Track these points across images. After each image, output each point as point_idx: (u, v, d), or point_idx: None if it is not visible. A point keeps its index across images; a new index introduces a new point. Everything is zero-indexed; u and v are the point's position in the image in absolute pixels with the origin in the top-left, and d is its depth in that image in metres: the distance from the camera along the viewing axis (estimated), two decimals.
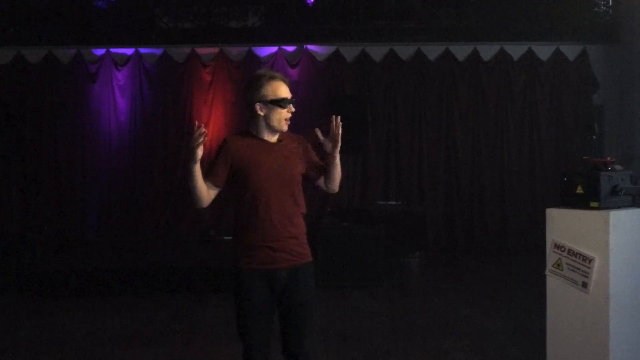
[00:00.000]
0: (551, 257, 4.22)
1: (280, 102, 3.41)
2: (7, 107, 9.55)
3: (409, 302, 7.26)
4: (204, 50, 10.87)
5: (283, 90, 3.42)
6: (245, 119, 11.87)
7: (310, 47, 10.89)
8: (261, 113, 3.43)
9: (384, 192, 10.74)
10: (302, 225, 3.51)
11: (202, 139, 3.26)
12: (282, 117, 3.42)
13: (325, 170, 3.55)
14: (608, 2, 11.10)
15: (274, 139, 3.48)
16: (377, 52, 10.87)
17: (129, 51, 10.82)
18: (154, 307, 7.11)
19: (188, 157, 3.30)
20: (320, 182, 3.58)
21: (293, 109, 3.44)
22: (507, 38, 10.86)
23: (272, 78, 3.43)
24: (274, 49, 10.86)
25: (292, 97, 3.45)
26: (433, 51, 10.90)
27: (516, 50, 10.89)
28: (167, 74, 10.82)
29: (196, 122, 3.27)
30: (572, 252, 4.11)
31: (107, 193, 10.73)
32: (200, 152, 3.29)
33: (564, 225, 4.17)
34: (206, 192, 3.39)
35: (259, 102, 3.42)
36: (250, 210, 3.41)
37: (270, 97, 3.41)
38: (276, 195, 3.41)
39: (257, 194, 3.39)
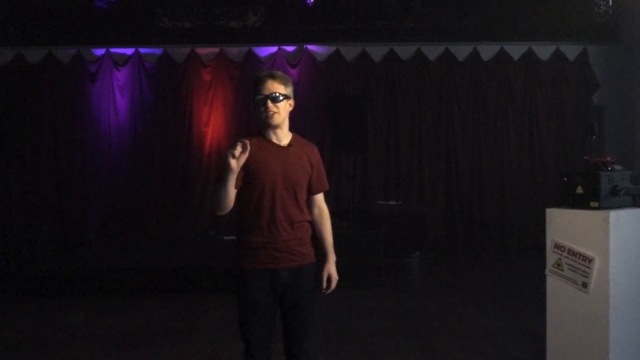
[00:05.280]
0: (551, 257, 4.22)
1: (257, 100, 3.42)
2: (7, 107, 9.56)
3: (409, 302, 7.26)
4: (204, 50, 10.87)
5: (262, 88, 3.42)
6: (245, 119, 11.80)
7: (310, 47, 10.89)
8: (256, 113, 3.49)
9: (384, 192, 10.74)
10: (305, 227, 3.53)
11: (241, 153, 3.22)
12: (262, 113, 3.42)
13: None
14: (608, 2, 11.10)
15: (283, 142, 3.48)
16: (377, 52, 10.88)
17: (129, 51, 10.83)
18: (154, 307, 7.11)
19: (224, 167, 3.25)
20: (311, 202, 3.59)
21: (269, 105, 3.39)
22: (507, 38, 10.87)
23: (258, 79, 3.45)
24: (274, 49, 10.87)
25: (273, 93, 3.39)
26: (433, 51, 10.90)
27: (516, 50, 10.90)
28: (167, 74, 10.83)
29: (244, 140, 3.23)
30: (572, 252, 4.11)
31: (107, 193, 10.73)
32: (237, 164, 3.24)
33: (564, 225, 4.17)
34: (233, 200, 3.39)
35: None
36: (254, 211, 3.41)
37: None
38: (281, 198, 3.41)
39: (262, 196, 3.40)
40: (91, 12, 10.68)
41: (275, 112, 3.40)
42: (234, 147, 3.21)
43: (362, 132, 9.17)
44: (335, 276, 3.57)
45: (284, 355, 3.52)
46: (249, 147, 3.23)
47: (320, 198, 3.61)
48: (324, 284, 3.55)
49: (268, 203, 3.40)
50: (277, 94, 3.40)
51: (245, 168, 3.36)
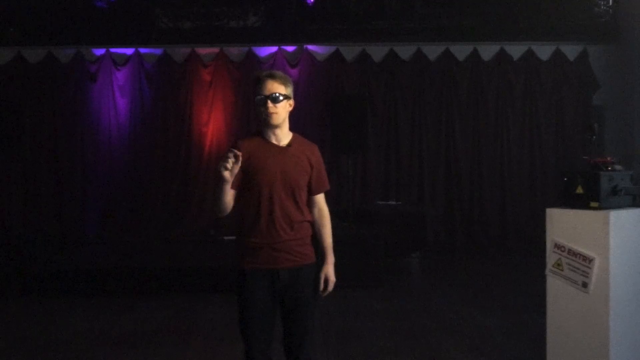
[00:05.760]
0: (551, 257, 4.22)
1: (257, 100, 3.43)
2: (7, 107, 9.56)
3: (409, 302, 7.26)
4: (204, 50, 10.87)
5: (263, 88, 3.42)
6: (245, 119, 11.77)
7: (310, 47, 10.89)
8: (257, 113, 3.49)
9: (384, 192, 10.74)
10: (305, 227, 3.53)
11: (234, 164, 3.20)
12: (262, 113, 3.42)
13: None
14: (608, 2, 11.09)
15: (283, 142, 3.48)
16: (377, 52, 10.87)
17: (129, 51, 10.83)
18: (154, 307, 7.11)
19: (218, 178, 3.25)
20: (312, 202, 3.58)
21: (269, 105, 3.39)
22: (507, 38, 10.86)
23: (258, 79, 3.46)
24: (274, 49, 10.86)
25: (273, 94, 3.40)
26: (433, 51, 10.90)
27: (516, 50, 10.90)
28: (167, 74, 10.82)
29: (234, 151, 3.20)
30: (572, 252, 4.11)
31: (107, 193, 10.72)
32: (230, 174, 3.22)
33: (564, 225, 4.17)
34: (232, 201, 3.40)
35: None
36: (253, 212, 3.42)
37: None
38: (279, 198, 3.41)
39: (262, 196, 3.40)
40: (91, 12, 10.67)
41: (275, 113, 3.40)
42: (225, 159, 3.18)
43: (362, 132, 9.17)
44: (332, 278, 3.58)
45: (284, 356, 3.52)
46: (241, 158, 3.20)
47: (320, 198, 3.61)
48: (321, 286, 3.55)
49: (266, 203, 3.40)
50: (277, 94, 3.40)
51: (244, 168, 3.36)
